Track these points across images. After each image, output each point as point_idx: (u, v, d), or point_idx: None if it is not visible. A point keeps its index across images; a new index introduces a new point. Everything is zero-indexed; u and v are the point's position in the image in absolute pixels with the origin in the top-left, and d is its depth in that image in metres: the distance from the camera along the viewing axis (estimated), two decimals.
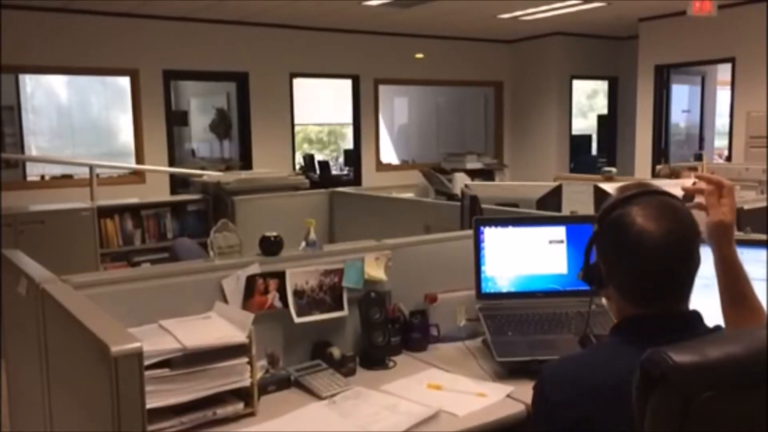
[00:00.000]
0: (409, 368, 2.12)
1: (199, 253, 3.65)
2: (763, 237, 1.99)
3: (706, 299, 1.57)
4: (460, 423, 1.75)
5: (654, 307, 1.28)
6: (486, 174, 9.51)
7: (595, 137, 11.55)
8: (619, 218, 1.29)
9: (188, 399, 1.68)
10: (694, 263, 1.29)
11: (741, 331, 1.01)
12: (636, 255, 1.27)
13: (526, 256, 2.30)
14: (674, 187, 1.55)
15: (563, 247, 2.29)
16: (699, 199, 1.53)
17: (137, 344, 1.19)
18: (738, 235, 2.44)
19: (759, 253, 1.85)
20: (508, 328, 2.15)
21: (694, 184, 1.55)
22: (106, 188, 6.82)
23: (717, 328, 1.32)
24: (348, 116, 10.10)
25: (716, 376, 0.92)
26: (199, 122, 11.37)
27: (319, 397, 1.90)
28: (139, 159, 8.10)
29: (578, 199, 3.99)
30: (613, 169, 5.76)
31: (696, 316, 1.30)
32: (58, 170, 8.58)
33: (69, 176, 8.26)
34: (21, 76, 9.11)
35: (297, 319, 2.11)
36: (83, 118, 10.58)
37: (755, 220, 2.92)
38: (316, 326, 2.16)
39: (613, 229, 1.31)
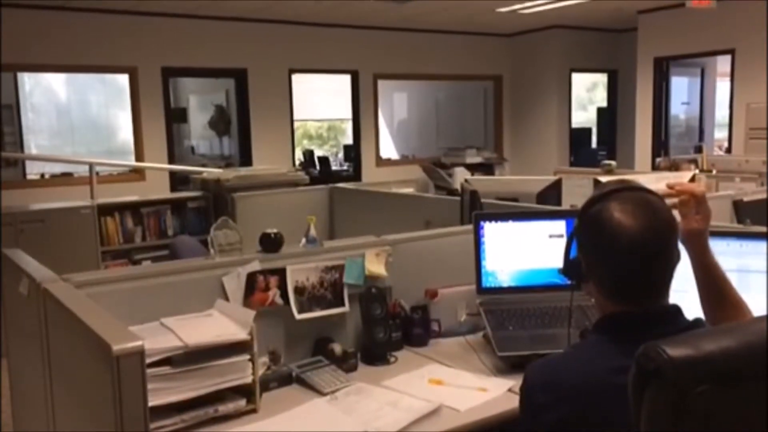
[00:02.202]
0: (411, 363, 2.13)
1: (200, 250, 3.65)
2: (762, 229, 1.99)
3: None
4: (462, 418, 1.76)
5: (632, 303, 1.29)
6: (486, 168, 9.50)
7: (594, 130, 11.54)
8: (598, 214, 1.30)
9: (190, 396, 1.68)
10: (671, 258, 1.29)
11: (735, 325, 1.01)
12: (612, 250, 1.27)
13: (526, 251, 2.30)
14: (665, 181, 1.55)
15: (563, 241, 2.28)
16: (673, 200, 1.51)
17: (139, 343, 1.20)
18: (737, 227, 2.44)
19: (758, 245, 1.85)
20: (508, 323, 2.15)
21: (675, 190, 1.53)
22: (106, 186, 6.82)
23: (697, 320, 1.32)
24: (347, 112, 10.09)
25: (711, 370, 0.92)
26: (199, 119, 11.37)
27: (321, 394, 1.90)
28: (139, 157, 8.09)
29: (578, 192, 4.00)
30: (613, 163, 5.75)
31: (675, 310, 1.30)
32: (57, 169, 8.58)
33: (69, 174, 8.26)
34: (20, 75, 9.10)
35: (298, 316, 2.11)
36: (82, 116, 10.57)
37: (755, 212, 2.92)
38: (317, 323, 2.16)
39: (592, 225, 1.32)
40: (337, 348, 2.09)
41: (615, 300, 1.31)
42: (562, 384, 1.28)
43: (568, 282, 2.29)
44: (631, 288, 1.29)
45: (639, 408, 0.95)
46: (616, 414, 1.06)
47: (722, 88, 9.68)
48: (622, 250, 1.26)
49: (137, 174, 8.11)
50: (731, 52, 8.21)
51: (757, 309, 1.51)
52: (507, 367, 2.02)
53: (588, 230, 1.34)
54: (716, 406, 0.91)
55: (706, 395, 0.90)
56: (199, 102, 11.42)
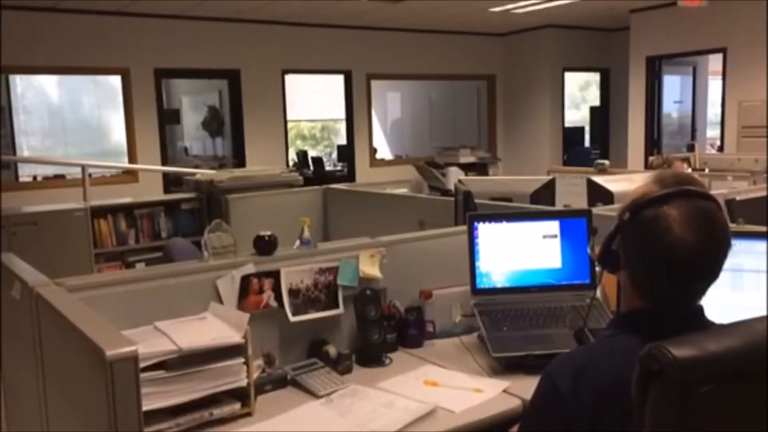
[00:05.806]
0: (406, 365, 2.13)
1: (194, 252, 3.63)
2: (757, 228, 1.99)
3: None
4: (457, 419, 1.76)
5: (664, 305, 1.27)
6: (480, 167, 9.51)
7: (587, 129, 11.57)
8: (655, 219, 1.24)
9: (185, 400, 1.68)
10: (717, 274, 1.26)
11: (739, 324, 1.01)
12: (665, 262, 1.23)
13: (520, 251, 2.30)
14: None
15: (557, 241, 2.29)
16: None
17: (132, 348, 1.19)
18: (730, 226, 2.44)
19: (752, 245, 1.86)
20: (503, 323, 2.16)
21: None
22: (99, 188, 6.80)
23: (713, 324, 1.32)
24: (341, 112, 10.08)
25: (715, 370, 0.92)
26: (192, 120, 11.35)
27: (316, 396, 1.90)
28: (132, 158, 8.07)
29: (572, 191, 4.00)
30: (606, 162, 5.78)
31: (700, 311, 1.29)
32: (50, 171, 8.55)
33: (61, 176, 8.23)
34: (11, 77, 9.06)
35: (292, 318, 2.11)
36: (75, 118, 10.53)
37: (747, 211, 2.93)
38: (312, 325, 2.16)
39: (646, 228, 1.25)
40: (332, 350, 2.09)
41: (648, 300, 1.29)
42: (595, 372, 1.25)
43: (563, 282, 2.29)
44: (671, 296, 1.27)
45: (642, 407, 0.95)
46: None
47: (714, 87, 9.71)
48: (673, 265, 1.23)
49: (130, 175, 8.09)
50: (723, 50, 8.24)
51: (750, 308, 1.51)
52: (502, 367, 2.02)
53: (640, 232, 1.27)
54: (720, 405, 0.91)
55: (711, 395, 0.90)
56: (192, 103, 11.39)
